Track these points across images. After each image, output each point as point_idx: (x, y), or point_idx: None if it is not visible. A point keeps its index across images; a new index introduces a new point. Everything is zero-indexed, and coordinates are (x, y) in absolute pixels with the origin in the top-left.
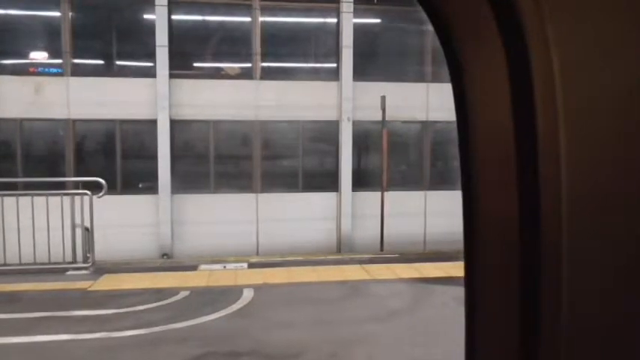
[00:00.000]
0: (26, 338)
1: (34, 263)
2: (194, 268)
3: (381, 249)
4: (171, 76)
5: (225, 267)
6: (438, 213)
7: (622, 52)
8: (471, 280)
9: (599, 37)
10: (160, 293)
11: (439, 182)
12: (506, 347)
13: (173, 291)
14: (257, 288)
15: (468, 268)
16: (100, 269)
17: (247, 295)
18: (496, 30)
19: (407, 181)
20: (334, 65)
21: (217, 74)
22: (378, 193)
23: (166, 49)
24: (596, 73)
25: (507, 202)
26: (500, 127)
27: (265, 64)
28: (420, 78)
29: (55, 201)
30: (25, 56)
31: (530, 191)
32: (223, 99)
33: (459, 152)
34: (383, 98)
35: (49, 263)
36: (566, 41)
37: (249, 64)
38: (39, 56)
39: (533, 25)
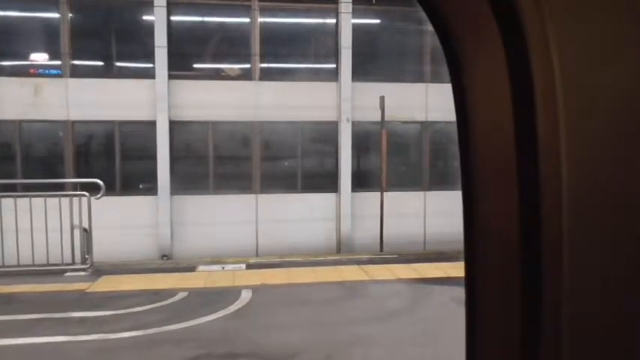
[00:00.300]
0: (23, 340)
1: (33, 265)
2: (193, 269)
3: (381, 249)
4: (171, 77)
5: (223, 268)
6: (438, 213)
7: (623, 51)
8: (471, 280)
9: (599, 36)
10: (157, 294)
11: (438, 182)
12: (507, 347)
13: (171, 292)
14: (255, 289)
15: (468, 268)
16: (99, 271)
17: (245, 296)
18: (496, 29)
19: (406, 181)
20: (333, 66)
21: (216, 75)
22: (378, 194)
23: (165, 50)
24: (596, 73)
25: (508, 201)
26: (500, 126)
27: (264, 65)
28: (419, 78)
29: (53, 202)
30: (24, 57)
31: (530, 191)
32: (222, 100)
33: (459, 152)
34: (382, 99)
35: (48, 265)
36: (566, 41)
37: (248, 65)
38: (38, 57)
39: (533, 24)
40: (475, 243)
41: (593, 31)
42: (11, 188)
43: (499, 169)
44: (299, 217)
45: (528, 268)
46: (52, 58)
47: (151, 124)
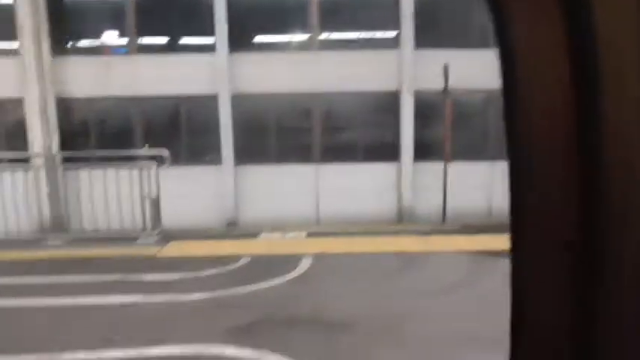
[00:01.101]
0: (101, 299)
1: (108, 231)
2: (255, 236)
3: (443, 220)
4: (231, 50)
5: (285, 235)
6: (504, 184)
7: None
8: (518, 265)
9: None
10: (222, 259)
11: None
12: (556, 332)
13: (235, 258)
14: (315, 257)
15: (515, 251)
16: (167, 237)
17: (305, 263)
18: None
19: (471, 151)
20: (395, 33)
21: (276, 47)
22: (441, 164)
23: (225, 25)
24: None
25: (566, 195)
26: (555, 99)
27: (324, 36)
28: (485, 44)
29: (125, 173)
30: (94, 37)
31: (592, 184)
32: (282, 71)
33: (505, 131)
34: (446, 67)
35: (121, 231)
36: None
37: (308, 36)
38: (107, 37)
39: None
40: (522, 240)
41: None
42: (86, 161)
43: (555, 152)
44: (360, 187)
45: (587, 272)
46: (120, 36)
47: (214, 98)
